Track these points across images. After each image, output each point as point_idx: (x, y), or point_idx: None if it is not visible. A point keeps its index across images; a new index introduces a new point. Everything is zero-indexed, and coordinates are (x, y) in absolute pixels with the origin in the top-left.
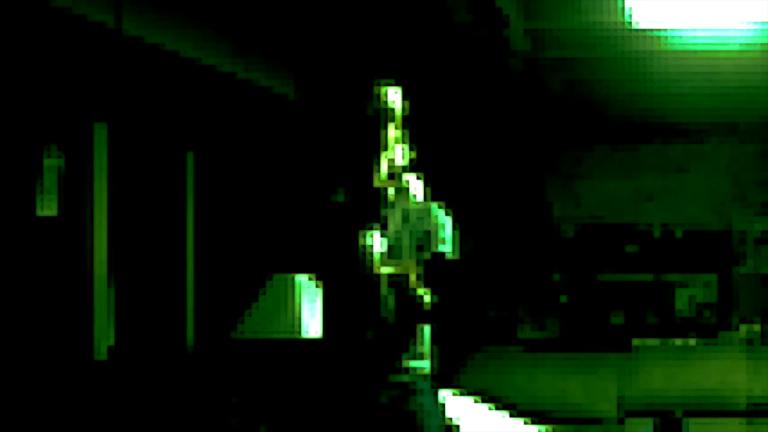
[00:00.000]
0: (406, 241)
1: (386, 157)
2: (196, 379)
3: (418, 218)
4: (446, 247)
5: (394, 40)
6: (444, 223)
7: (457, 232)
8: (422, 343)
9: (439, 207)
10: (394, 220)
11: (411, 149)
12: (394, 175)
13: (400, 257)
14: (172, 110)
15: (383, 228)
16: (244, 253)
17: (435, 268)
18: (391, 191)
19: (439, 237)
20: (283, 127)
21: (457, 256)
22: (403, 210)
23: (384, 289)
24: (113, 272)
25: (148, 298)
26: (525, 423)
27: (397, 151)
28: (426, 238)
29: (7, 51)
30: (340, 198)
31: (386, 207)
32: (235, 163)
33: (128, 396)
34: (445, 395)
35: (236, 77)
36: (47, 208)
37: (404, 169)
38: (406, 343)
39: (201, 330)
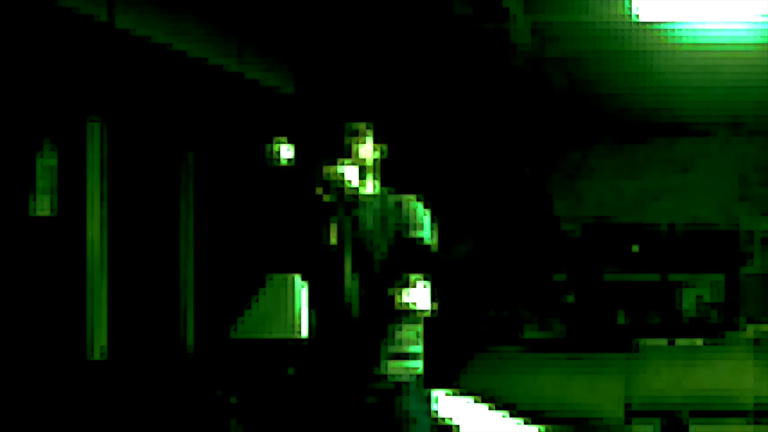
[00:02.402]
0: (381, 232)
1: (354, 154)
2: (193, 379)
3: (394, 210)
4: (423, 233)
5: (395, 34)
6: (420, 212)
7: (436, 224)
8: (413, 343)
9: (417, 199)
10: (370, 213)
11: (380, 144)
12: (363, 170)
13: (377, 248)
14: (170, 108)
15: (358, 223)
16: (242, 253)
17: (408, 252)
18: (362, 187)
19: (415, 224)
20: (281, 124)
21: (434, 243)
22: (379, 203)
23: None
24: (109, 272)
25: (145, 298)
26: (527, 423)
27: (366, 148)
28: (403, 228)
29: (2, 49)
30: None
31: (358, 202)
32: (233, 162)
33: (124, 395)
34: (438, 395)
35: (234, 75)
36: (42, 207)
37: (374, 164)
38: (378, 339)
39: (199, 330)
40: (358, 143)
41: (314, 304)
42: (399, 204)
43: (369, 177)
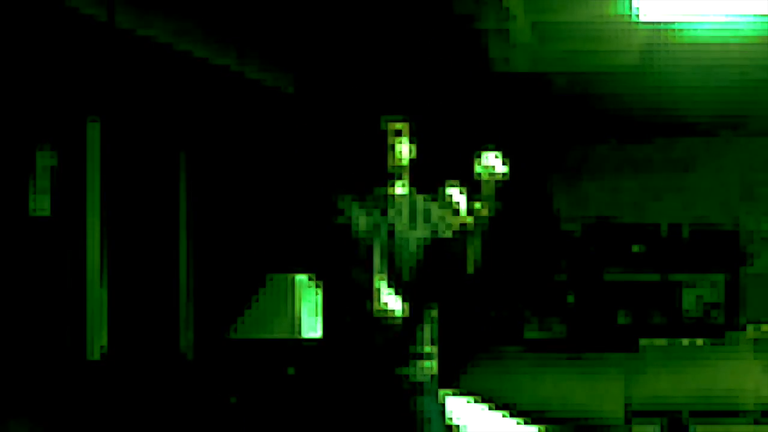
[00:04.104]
0: (411, 233)
1: (392, 153)
2: (192, 380)
3: (423, 210)
4: (450, 235)
5: (394, 34)
6: (448, 214)
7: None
8: (428, 344)
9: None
10: (404, 213)
11: (413, 143)
12: (400, 170)
13: (407, 248)
14: (167, 107)
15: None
16: (242, 252)
17: (436, 254)
18: (397, 188)
19: (444, 226)
20: (282, 124)
21: (460, 246)
22: (409, 205)
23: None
24: (107, 272)
25: (142, 298)
26: (527, 423)
27: (405, 147)
28: (432, 228)
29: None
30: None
31: (393, 204)
32: (232, 161)
33: (122, 396)
34: (446, 396)
35: (233, 73)
36: (41, 207)
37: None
38: (406, 340)
39: (198, 330)
40: (399, 143)
41: (339, 305)
42: (429, 205)
43: (405, 177)
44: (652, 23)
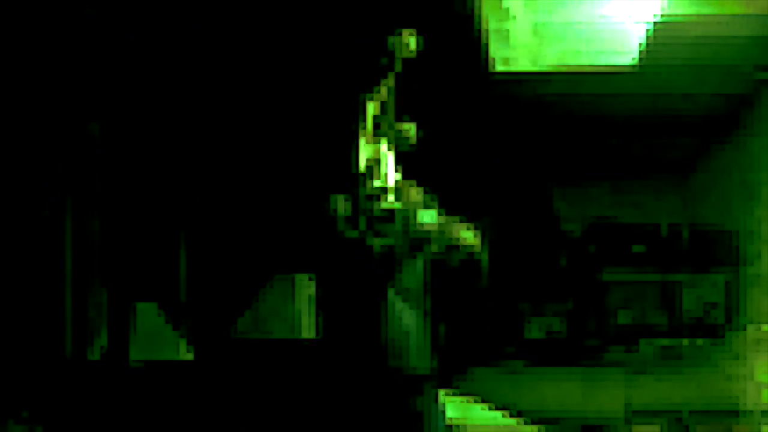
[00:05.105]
0: (395, 226)
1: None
2: (192, 380)
3: (403, 218)
4: (425, 219)
5: (393, 34)
6: (429, 222)
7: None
8: (427, 343)
9: (426, 207)
10: (396, 214)
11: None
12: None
13: (395, 242)
14: (169, 109)
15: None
16: (243, 253)
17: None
18: (391, 186)
19: (417, 212)
20: (279, 126)
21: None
22: (402, 203)
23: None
24: (108, 272)
25: (142, 299)
26: (527, 424)
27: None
28: (409, 217)
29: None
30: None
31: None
32: (232, 162)
33: (121, 395)
34: (446, 396)
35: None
36: (43, 207)
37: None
38: (401, 335)
39: (198, 330)
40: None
41: (334, 303)
42: (408, 212)
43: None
44: (652, 23)
